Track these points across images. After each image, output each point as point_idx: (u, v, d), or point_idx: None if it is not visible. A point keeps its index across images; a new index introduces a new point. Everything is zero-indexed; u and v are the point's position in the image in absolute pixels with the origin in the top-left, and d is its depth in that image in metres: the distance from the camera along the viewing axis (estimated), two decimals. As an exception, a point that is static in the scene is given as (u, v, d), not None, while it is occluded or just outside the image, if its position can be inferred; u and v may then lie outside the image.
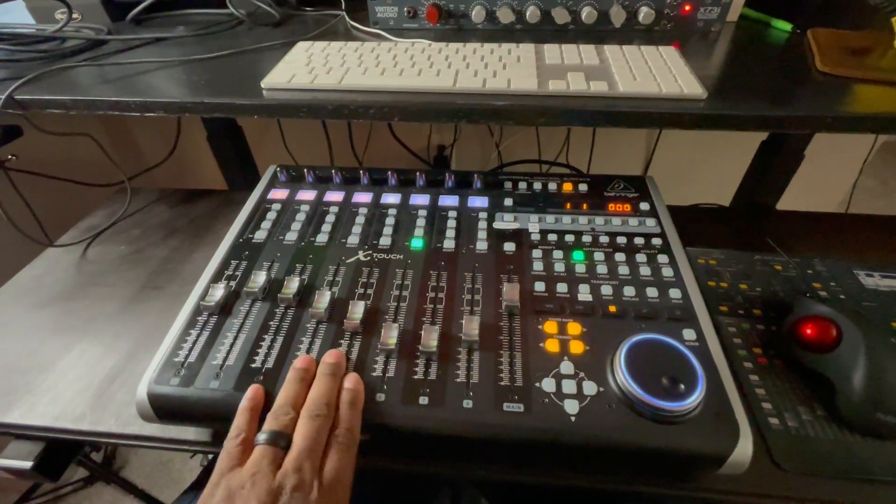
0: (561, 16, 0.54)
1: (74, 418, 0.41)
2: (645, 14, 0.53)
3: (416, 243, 0.46)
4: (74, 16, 0.60)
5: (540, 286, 0.42)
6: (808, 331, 0.41)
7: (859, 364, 0.37)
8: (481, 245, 0.46)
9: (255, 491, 0.28)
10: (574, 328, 0.38)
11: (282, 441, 0.31)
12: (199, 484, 0.49)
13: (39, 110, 0.46)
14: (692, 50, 0.51)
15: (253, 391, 0.34)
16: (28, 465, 0.40)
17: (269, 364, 0.36)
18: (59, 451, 0.42)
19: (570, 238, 0.46)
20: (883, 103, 0.40)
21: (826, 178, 1.03)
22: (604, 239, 0.46)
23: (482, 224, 0.48)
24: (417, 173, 0.54)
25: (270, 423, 0.32)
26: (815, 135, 0.72)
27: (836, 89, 0.42)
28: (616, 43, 0.50)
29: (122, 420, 0.40)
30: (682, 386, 0.32)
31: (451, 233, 0.47)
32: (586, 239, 0.46)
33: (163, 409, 0.35)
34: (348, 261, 0.45)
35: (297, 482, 0.28)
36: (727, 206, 0.82)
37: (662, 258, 0.44)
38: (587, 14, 0.54)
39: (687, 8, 0.54)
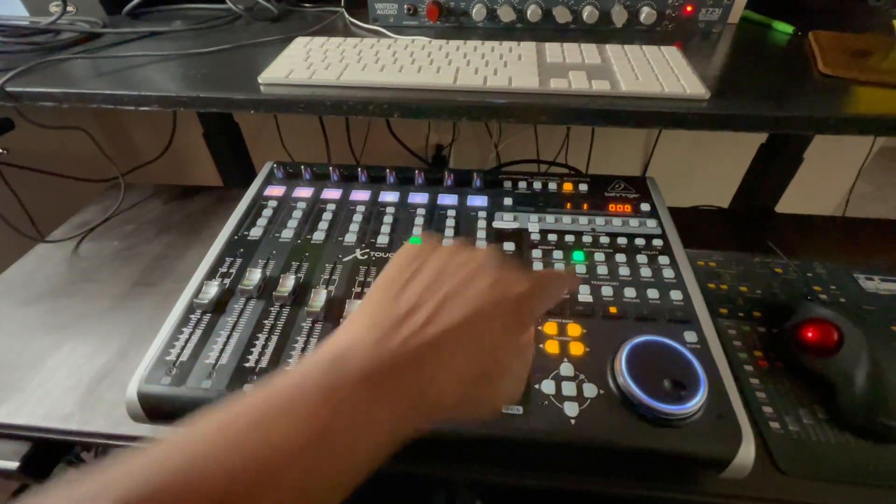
0: (562, 15, 0.54)
1: (62, 418, 0.40)
2: (646, 14, 0.53)
3: (415, 242, 0.45)
4: (69, 8, 0.59)
5: (540, 286, 0.41)
6: (810, 334, 0.40)
7: (861, 367, 0.37)
8: (480, 244, 0.45)
9: (450, 261, 0.25)
10: (574, 329, 0.37)
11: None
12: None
13: (31, 103, 0.45)
14: (694, 51, 0.50)
15: None
16: (14, 465, 0.39)
17: (263, 364, 0.35)
18: (47, 452, 0.41)
19: (570, 238, 0.46)
20: (886, 105, 0.40)
21: (823, 183, 1.03)
22: (604, 239, 0.45)
23: (481, 223, 0.48)
24: (416, 171, 0.53)
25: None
26: (813, 139, 0.72)
27: (839, 91, 0.42)
28: (617, 43, 0.49)
29: (111, 420, 0.40)
30: (684, 389, 0.32)
31: (449, 232, 0.47)
32: (587, 239, 0.45)
33: (153, 409, 0.34)
34: (345, 259, 0.44)
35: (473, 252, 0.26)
36: (726, 207, 0.82)
37: (663, 259, 0.43)
38: (588, 13, 0.53)
39: (688, 9, 0.54)
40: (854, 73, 0.43)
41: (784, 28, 0.55)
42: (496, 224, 0.48)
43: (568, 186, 0.52)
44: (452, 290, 0.23)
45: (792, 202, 0.78)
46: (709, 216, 0.67)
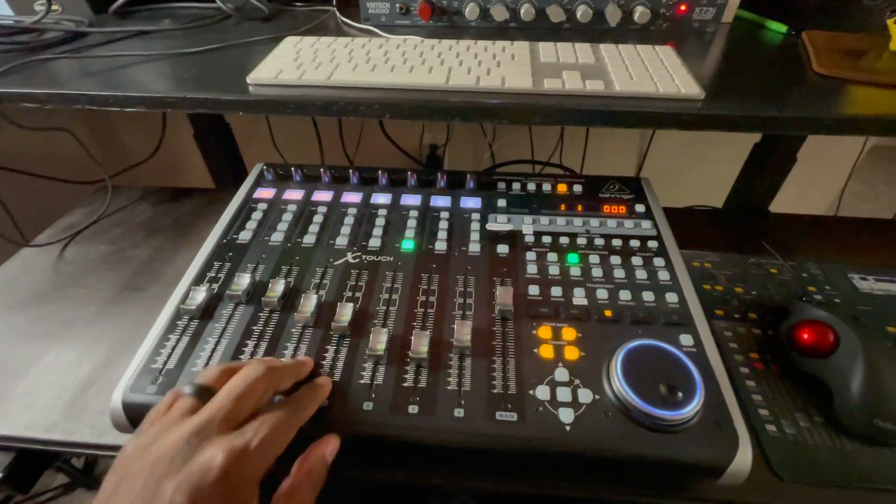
0: (556, 14, 0.54)
1: (46, 427, 0.39)
2: (640, 13, 0.53)
3: (407, 245, 0.45)
4: (54, 7, 0.58)
5: (534, 290, 0.40)
6: (805, 336, 0.40)
7: (857, 369, 0.37)
8: (474, 247, 0.45)
9: (157, 442, 0.24)
10: (569, 333, 0.37)
11: (206, 393, 0.27)
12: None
13: (14, 104, 0.44)
14: (688, 50, 0.50)
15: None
16: (-4, 476, 0.38)
17: (252, 371, 0.35)
18: (31, 462, 0.40)
19: (564, 240, 0.45)
20: (880, 105, 0.40)
21: (816, 182, 1.03)
22: (599, 241, 0.45)
23: (475, 225, 0.47)
24: (409, 173, 0.52)
25: (199, 378, 0.29)
26: (806, 139, 0.72)
27: (834, 91, 0.42)
28: (611, 42, 0.49)
29: (96, 429, 0.39)
30: (680, 394, 0.31)
31: (442, 234, 0.46)
32: (581, 241, 0.45)
33: (138, 418, 0.33)
34: (336, 263, 0.43)
35: (201, 424, 0.25)
36: (720, 208, 0.82)
37: (658, 261, 0.43)
38: (582, 13, 0.53)
39: (682, 8, 0.53)
40: (848, 73, 0.43)
41: (778, 27, 0.55)
42: (490, 226, 0.47)
43: (562, 188, 0.52)
44: None
45: (785, 202, 0.78)
46: (703, 216, 0.66)
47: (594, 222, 0.47)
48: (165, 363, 0.35)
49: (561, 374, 0.34)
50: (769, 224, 0.64)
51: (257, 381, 0.28)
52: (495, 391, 0.33)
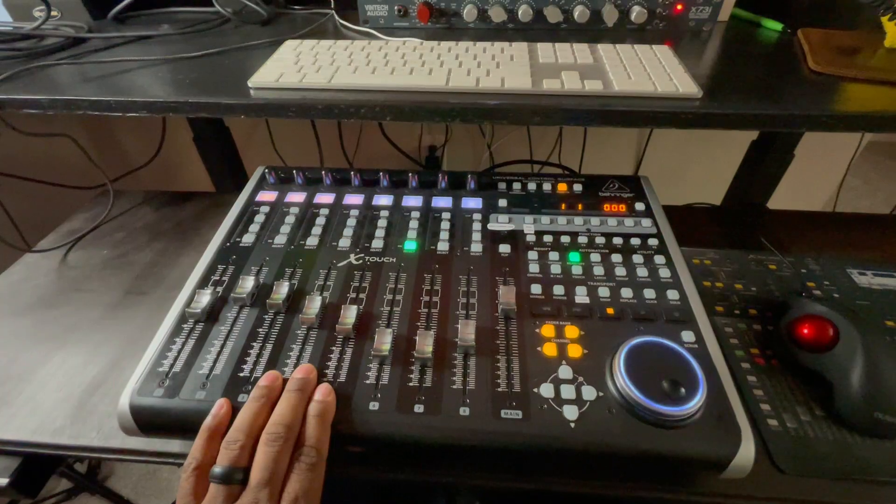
0: (553, 15, 0.54)
1: (53, 431, 0.39)
2: (637, 13, 0.53)
3: (410, 245, 0.45)
4: (53, 13, 0.58)
5: (536, 289, 0.41)
6: (805, 330, 0.41)
7: (857, 363, 0.37)
8: (476, 247, 0.45)
9: None
10: (572, 331, 0.37)
11: (237, 475, 0.29)
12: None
13: (16, 110, 0.44)
14: (684, 49, 0.51)
15: (218, 407, 0.32)
16: (4, 481, 0.38)
17: (258, 373, 0.35)
18: (38, 466, 0.40)
19: (565, 239, 0.45)
20: (875, 102, 0.40)
21: (813, 178, 1.04)
22: (600, 240, 0.45)
23: (476, 225, 0.47)
24: (410, 174, 0.53)
25: (223, 457, 0.30)
26: (803, 135, 0.73)
27: (829, 88, 0.42)
28: (609, 42, 0.49)
29: (103, 433, 0.39)
30: (683, 389, 0.32)
31: (444, 235, 0.46)
32: (582, 240, 0.45)
33: (146, 421, 0.34)
34: (339, 264, 0.44)
35: None
36: (718, 205, 0.82)
37: (659, 259, 0.43)
38: (580, 13, 0.53)
39: (679, 7, 0.54)
40: (843, 70, 0.44)
41: (773, 26, 0.55)
42: (491, 226, 0.47)
43: (562, 187, 0.52)
44: None
45: (783, 198, 0.78)
46: (702, 214, 0.67)
47: (595, 221, 0.47)
48: (172, 366, 0.35)
49: (565, 371, 0.35)
50: (768, 220, 0.64)
51: (280, 451, 0.29)
52: (500, 389, 0.34)
